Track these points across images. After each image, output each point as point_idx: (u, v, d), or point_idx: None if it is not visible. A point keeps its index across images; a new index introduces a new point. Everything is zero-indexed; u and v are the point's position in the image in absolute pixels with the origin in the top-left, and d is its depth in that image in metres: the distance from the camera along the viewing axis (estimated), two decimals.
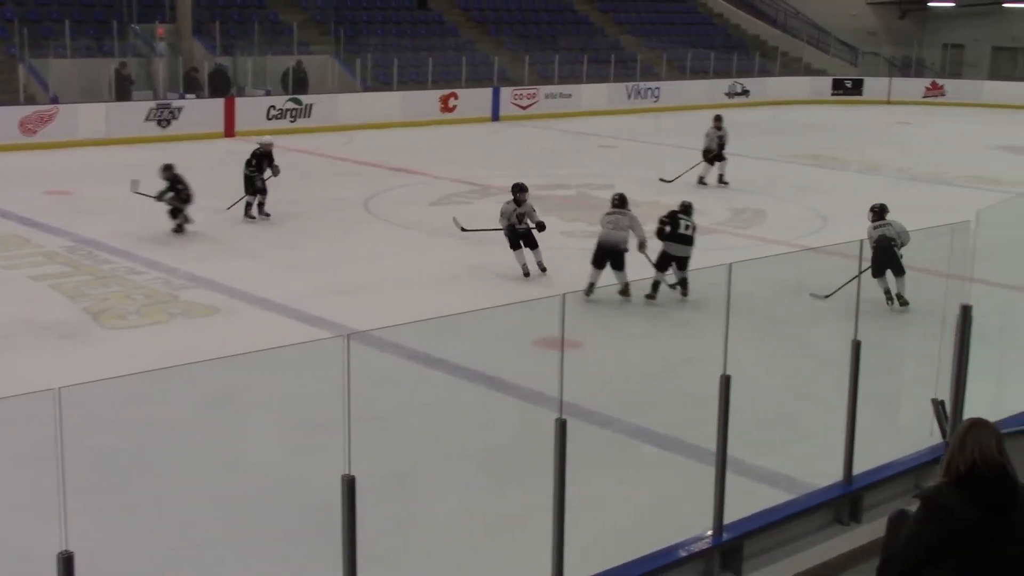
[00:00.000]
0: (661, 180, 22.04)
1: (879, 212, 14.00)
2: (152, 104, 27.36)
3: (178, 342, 11.73)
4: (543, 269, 14.66)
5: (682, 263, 13.84)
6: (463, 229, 14.97)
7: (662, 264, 13.85)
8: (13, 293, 13.46)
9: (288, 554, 7.50)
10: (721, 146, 22.37)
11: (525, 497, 7.78)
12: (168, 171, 16.66)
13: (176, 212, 16.53)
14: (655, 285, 13.71)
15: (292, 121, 29.11)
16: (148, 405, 9.64)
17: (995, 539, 4.38)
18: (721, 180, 22.28)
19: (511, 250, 14.69)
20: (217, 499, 8.18)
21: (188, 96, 28.45)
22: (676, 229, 13.96)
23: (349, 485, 5.28)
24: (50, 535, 5.21)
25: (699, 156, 22.50)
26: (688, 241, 13.91)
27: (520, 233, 14.71)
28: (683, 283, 13.64)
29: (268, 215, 17.93)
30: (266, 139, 18.43)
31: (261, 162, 17.88)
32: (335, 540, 5.21)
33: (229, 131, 27.91)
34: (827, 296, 12.65)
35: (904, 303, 13.24)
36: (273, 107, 29.02)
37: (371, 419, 8.62)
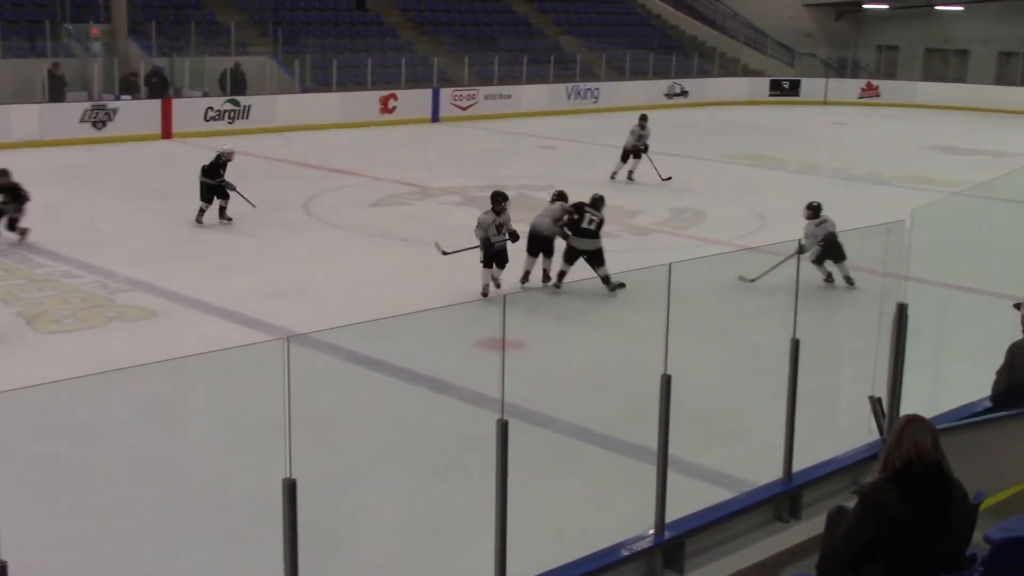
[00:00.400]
0: (665, 179, 22.34)
1: (817, 209, 14.30)
2: (87, 105, 27.00)
3: (115, 346, 11.59)
4: (498, 286, 14.02)
5: (593, 257, 13.93)
6: (444, 253, 14.41)
7: (569, 257, 14.11)
8: None
9: (229, 558, 7.43)
10: (644, 146, 22.86)
11: (467, 498, 7.77)
12: (3, 177, 16.16)
13: (12, 221, 16.03)
14: (560, 275, 14.13)
15: (230, 123, 28.85)
16: (84, 410, 9.51)
17: (931, 533, 4.44)
18: (630, 177, 22.83)
19: (481, 265, 13.95)
20: (155, 505, 8.10)
21: (124, 97, 28.10)
22: (580, 223, 14.08)
23: (290, 488, 5.25)
24: None
25: (647, 156, 22.73)
26: (591, 235, 14.04)
27: (496, 250, 13.96)
28: (605, 280, 13.71)
29: (230, 219, 17.79)
30: (227, 148, 18.15)
31: (224, 170, 17.81)
32: (276, 543, 5.16)
33: (166, 133, 27.62)
34: (753, 280, 12.91)
35: (852, 282, 14.12)
36: (211, 108, 28.75)
37: (312, 422, 8.55)
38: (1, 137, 25.09)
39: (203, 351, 10.67)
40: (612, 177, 22.64)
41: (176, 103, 28.35)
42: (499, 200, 14.30)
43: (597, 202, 14.54)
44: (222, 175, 17.68)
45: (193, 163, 24.06)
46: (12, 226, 15.94)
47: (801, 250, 14.13)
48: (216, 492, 8.29)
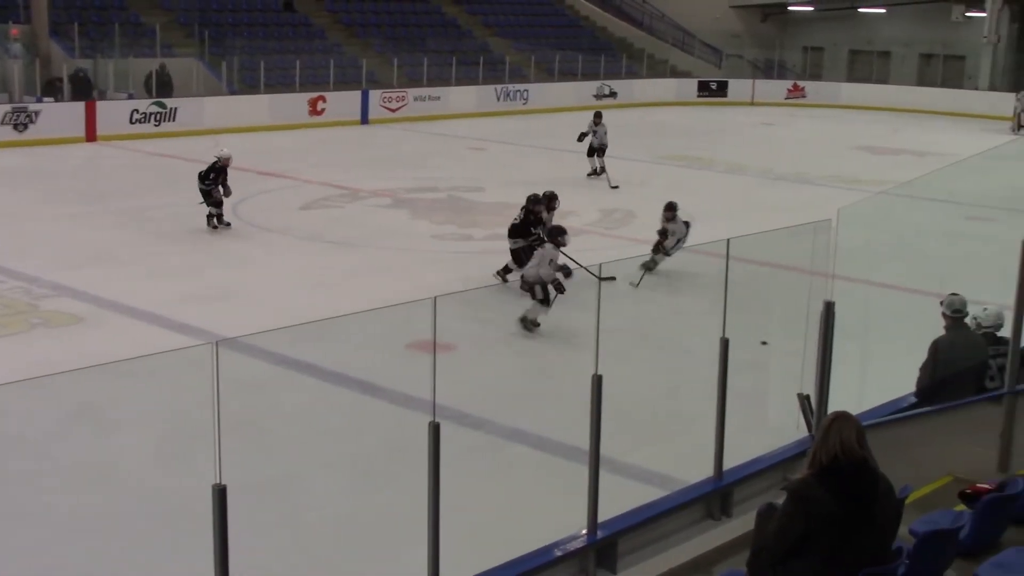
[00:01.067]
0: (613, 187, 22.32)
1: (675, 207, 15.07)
2: (7, 108, 26.52)
3: (40, 353, 11.41)
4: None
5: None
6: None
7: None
8: None
9: (161, 565, 7.36)
10: (601, 143, 23.37)
11: (401, 501, 7.74)
12: None
13: None
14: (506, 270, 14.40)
15: (156, 125, 28.49)
16: (9, 419, 9.36)
17: (858, 528, 4.51)
18: (597, 172, 23.21)
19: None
20: (86, 511, 7.99)
21: (46, 99, 27.65)
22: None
23: (220, 494, 5.20)
24: None
25: (577, 157, 22.91)
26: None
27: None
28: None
29: (229, 224, 17.51)
30: (224, 152, 17.76)
31: (219, 175, 17.41)
32: (208, 549, 5.12)
33: (91, 135, 27.21)
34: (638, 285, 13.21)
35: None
36: (136, 111, 28.37)
37: (243, 426, 8.51)
38: None
39: (131, 356, 10.58)
40: (589, 176, 23.19)
41: (100, 105, 27.94)
42: (550, 200, 15.03)
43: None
44: (213, 179, 17.32)
45: (118, 166, 23.88)
46: None
47: (667, 252, 14.56)
48: (147, 498, 8.20)
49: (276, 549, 7.53)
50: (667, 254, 14.73)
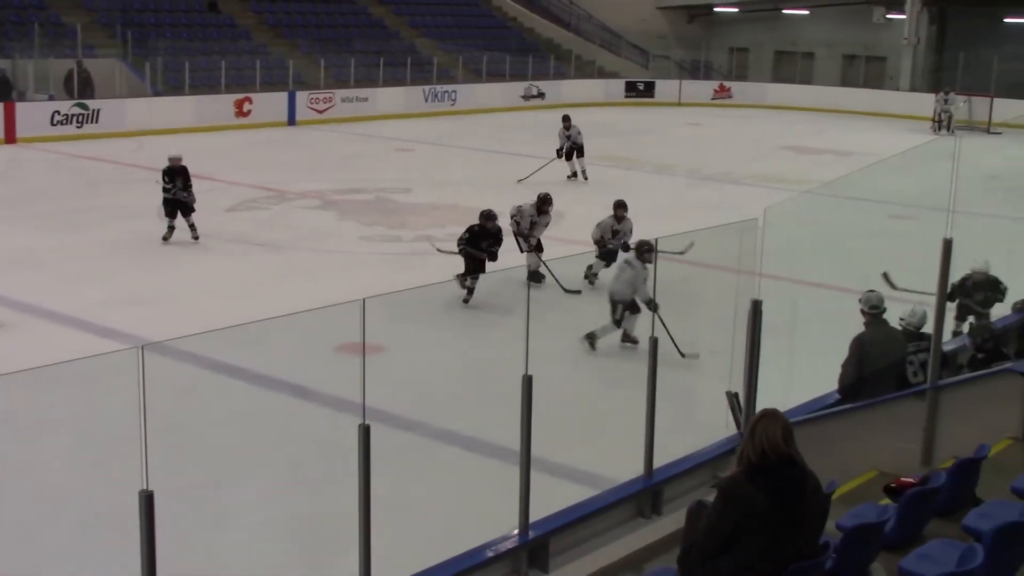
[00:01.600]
0: (518, 181, 22.30)
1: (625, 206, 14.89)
2: None
3: None
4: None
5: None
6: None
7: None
8: None
9: (86, 572, 7.25)
10: (575, 144, 23.68)
11: (333, 504, 7.70)
12: None
13: None
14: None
15: (79, 127, 28.07)
16: None
17: (787, 524, 4.56)
18: (583, 175, 23.62)
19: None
20: (8, 520, 7.84)
21: None
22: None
23: (147, 500, 5.15)
24: None
25: (505, 158, 22.95)
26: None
27: (606, 251, 14.41)
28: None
29: (197, 238, 16.51)
30: (174, 153, 16.95)
31: (175, 179, 16.50)
32: (136, 556, 5.06)
33: (10, 137, 26.73)
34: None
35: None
36: (58, 112, 27.92)
37: (170, 432, 8.39)
38: None
39: (54, 362, 10.41)
40: (570, 177, 23.55)
41: (20, 107, 27.46)
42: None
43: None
44: (174, 185, 16.43)
45: (39, 169, 23.49)
46: None
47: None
48: (72, 506, 8.08)
49: (205, 555, 7.45)
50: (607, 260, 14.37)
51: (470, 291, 13.49)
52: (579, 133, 23.71)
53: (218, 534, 7.85)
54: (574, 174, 23.59)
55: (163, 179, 16.58)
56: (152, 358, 5.17)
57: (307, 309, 11.20)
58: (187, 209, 16.50)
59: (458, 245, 13.90)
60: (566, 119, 23.96)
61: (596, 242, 14.57)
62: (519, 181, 22.13)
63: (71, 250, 16.16)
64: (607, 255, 14.34)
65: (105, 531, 7.55)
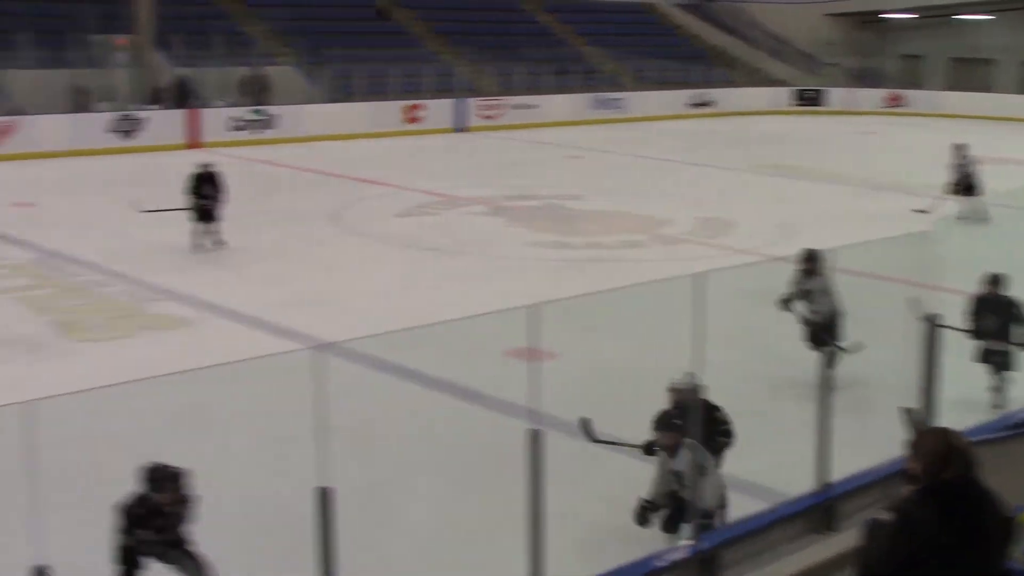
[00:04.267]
0: (918, 211, 17.65)
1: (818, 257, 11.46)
2: (114, 115, 27.17)
3: (146, 355, 11.63)
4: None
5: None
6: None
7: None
8: None
9: (262, 567, 7.45)
10: (969, 177, 19.54)
11: (500, 508, 7.74)
12: None
13: None
14: None
15: (256, 133, 28.99)
16: (114, 419, 9.57)
17: (965, 548, 4.41)
18: (972, 213, 18.76)
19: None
20: None
21: (150, 107, 28.29)
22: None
23: (323, 497, 5.26)
24: (19, 549, 5.16)
25: (665, 164, 22.69)
26: None
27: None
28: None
29: (223, 243, 16.65)
30: (204, 159, 17.29)
31: (202, 186, 16.58)
32: (310, 552, 5.18)
33: (193, 142, 27.76)
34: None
35: None
36: (236, 119, 28.89)
37: (343, 431, 8.58)
38: (29, 147, 25.32)
39: (234, 360, 10.76)
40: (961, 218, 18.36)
41: (202, 113, 28.52)
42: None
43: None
44: (205, 193, 16.49)
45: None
46: None
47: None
48: (249, 501, 8.31)
49: (375, 553, 7.58)
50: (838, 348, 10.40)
51: None
52: (974, 164, 19.61)
53: (387, 533, 7.98)
54: (972, 215, 18.70)
55: (192, 186, 16.45)
56: (328, 359, 5.30)
57: (478, 314, 11.36)
58: (212, 216, 16.46)
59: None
60: (959, 147, 19.92)
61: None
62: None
63: (249, 251, 16.67)
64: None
65: (280, 526, 7.75)
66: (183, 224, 17.11)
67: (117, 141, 26.84)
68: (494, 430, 9.43)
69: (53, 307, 13.30)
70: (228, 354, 11.44)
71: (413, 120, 31.94)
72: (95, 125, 26.82)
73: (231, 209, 18.84)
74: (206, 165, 16.77)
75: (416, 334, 11.25)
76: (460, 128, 32.80)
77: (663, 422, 7.50)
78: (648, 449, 7.76)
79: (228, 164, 25.46)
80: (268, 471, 8.78)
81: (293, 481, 7.47)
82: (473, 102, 33.41)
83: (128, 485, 8.57)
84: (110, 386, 10.21)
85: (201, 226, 16.49)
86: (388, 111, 31.61)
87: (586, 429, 7.70)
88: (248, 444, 9.36)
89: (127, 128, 27.09)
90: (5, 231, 17.43)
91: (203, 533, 7.86)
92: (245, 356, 11.00)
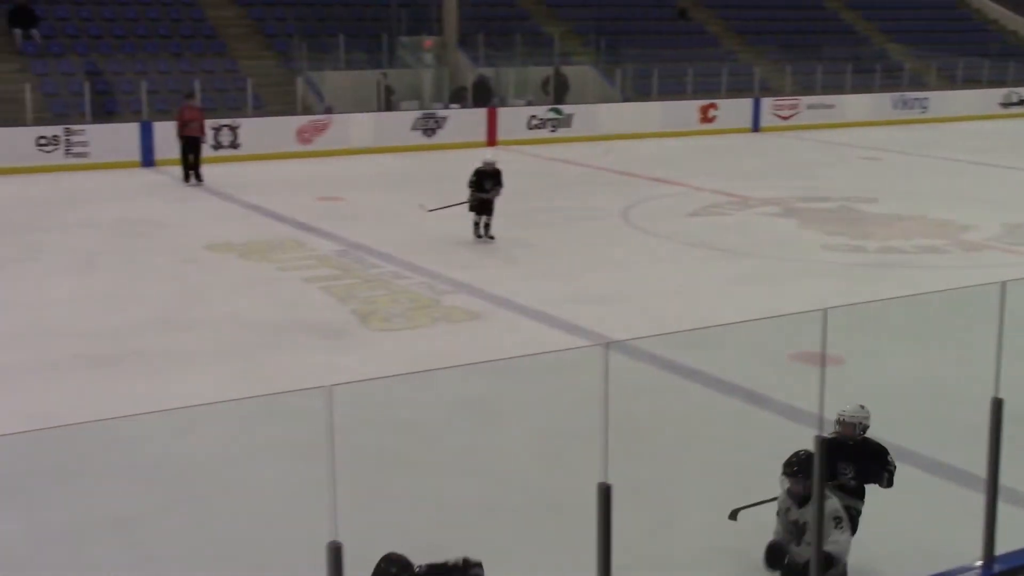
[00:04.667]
0: None
1: None
2: (418, 114, 28.28)
3: (439, 346, 12.05)
4: None
5: None
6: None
7: None
8: (287, 294, 14.14)
9: (540, 557, 7.59)
10: None
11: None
12: None
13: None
14: None
15: (552, 131, 29.53)
16: (409, 406, 9.98)
17: None
18: None
19: None
20: (471, 502, 8.36)
21: (452, 106, 29.28)
22: None
23: (604, 493, 5.31)
24: (318, 525, 5.45)
25: (970, 167, 21.68)
26: None
27: None
28: None
29: (492, 237, 17.20)
30: (489, 157, 17.77)
31: (483, 181, 17.16)
32: (589, 547, 5.24)
33: (491, 140, 28.53)
34: None
35: None
36: (534, 117, 29.51)
37: (627, 428, 8.65)
38: (340, 144, 26.72)
39: (522, 354, 11.03)
40: None
41: (501, 112, 29.27)
42: None
43: None
44: (485, 188, 17.11)
45: (514, 170, 24.81)
46: None
47: None
48: (529, 492, 8.49)
49: (652, 550, 7.60)
50: None
51: None
52: None
53: (665, 532, 7.98)
54: None
55: (474, 180, 17.20)
56: (614, 356, 5.34)
57: (766, 316, 11.21)
58: (489, 210, 17.18)
59: None
60: None
61: None
62: None
63: (540, 247, 16.97)
64: None
65: (558, 519, 7.88)
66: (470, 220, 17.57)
67: (420, 139, 27.90)
68: (777, 434, 9.28)
69: (354, 297, 13.96)
70: (516, 348, 11.74)
71: (708, 120, 31.75)
72: (400, 123, 27.98)
73: (524, 205, 19.29)
74: (488, 162, 17.38)
75: (702, 335, 11.21)
76: (755, 128, 32.38)
77: (798, 466, 6.57)
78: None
79: (524, 162, 26.15)
80: (549, 463, 8.94)
81: (573, 475, 7.60)
82: (769, 101, 32.89)
83: (417, 470, 8.94)
84: (405, 375, 10.67)
85: (477, 218, 17.24)
86: (684, 110, 31.55)
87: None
88: (531, 436, 9.56)
89: (430, 126, 28.13)
90: (313, 223, 18.42)
91: (484, 522, 8.10)
92: (532, 350, 11.26)
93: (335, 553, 4.99)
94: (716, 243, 17.31)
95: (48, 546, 7.83)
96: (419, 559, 6.66)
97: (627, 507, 6.27)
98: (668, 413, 9.96)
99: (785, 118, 32.86)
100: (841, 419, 7.09)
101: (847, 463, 7.13)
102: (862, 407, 7.13)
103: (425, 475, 8.85)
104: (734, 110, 32.16)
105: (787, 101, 33.16)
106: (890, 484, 7.26)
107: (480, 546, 7.70)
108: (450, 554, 6.18)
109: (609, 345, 5.23)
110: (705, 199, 21.07)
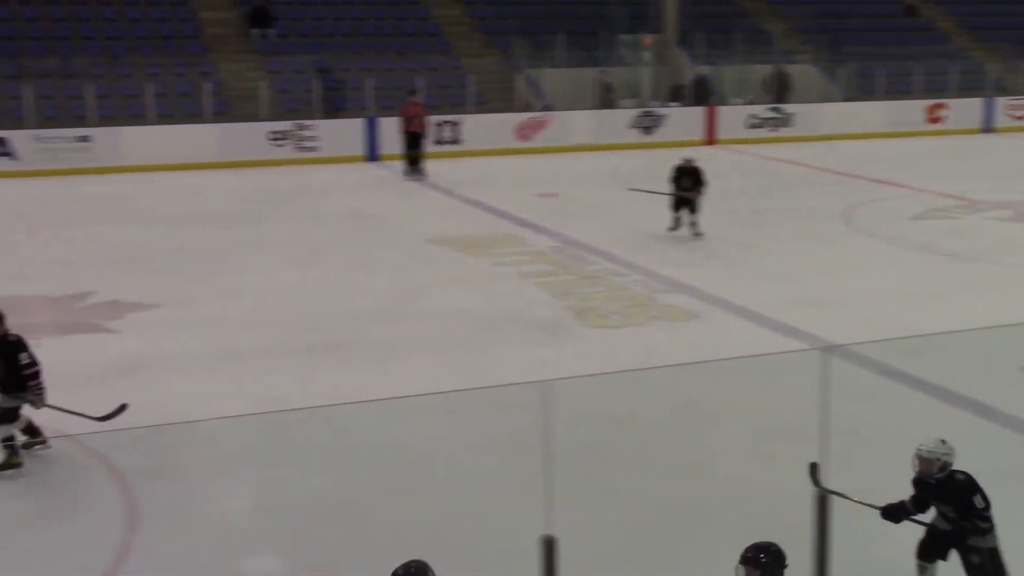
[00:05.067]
0: None
1: None
2: (636, 112, 28.30)
3: (656, 345, 12.06)
4: None
5: None
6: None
7: None
8: (504, 288, 14.39)
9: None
10: None
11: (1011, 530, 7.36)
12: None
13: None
14: None
15: (772, 130, 29.11)
16: (623, 403, 10.05)
17: None
18: None
19: None
20: (683, 502, 8.36)
21: (671, 104, 29.18)
22: None
23: (821, 500, 5.28)
24: (531, 518, 5.56)
25: None
26: None
27: None
28: None
29: (699, 235, 17.18)
30: (688, 155, 17.70)
31: (681, 178, 17.20)
32: (804, 550, 5.21)
33: (710, 139, 28.33)
34: None
35: None
36: (754, 116, 29.15)
37: (844, 434, 8.50)
38: (559, 141, 27.01)
39: (738, 355, 10.95)
40: None
41: (720, 110, 29.02)
42: None
43: None
44: (683, 185, 17.13)
45: (732, 169, 24.61)
46: None
47: None
48: (743, 493, 8.43)
49: (871, 559, 7.44)
50: None
51: None
52: None
53: (881, 541, 7.80)
54: None
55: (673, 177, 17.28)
56: (833, 360, 5.29)
57: (994, 325, 10.81)
58: (690, 207, 17.13)
59: None
60: None
61: None
62: None
63: (758, 248, 16.77)
64: None
65: (771, 523, 7.80)
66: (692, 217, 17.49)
67: (638, 136, 27.92)
68: (1006, 449, 8.97)
69: (571, 293, 14.10)
70: (733, 349, 11.66)
71: (935, 120, 30.71)
72: (618, 121, 28.06)
73: (742, 205, 19.09)
74: (688, 160, 17.35)
75: (924, 342, 10.89)
76: (987, 129, 31.13)
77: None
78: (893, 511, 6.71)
79: (743, 161, 25.89)
80: (763, 466, 8.85)
81: (784, 477, 7.51)
82: (1002, 101, 31.57)
83: (629, 467, 9.00)
84: (620, 372, 10.74)
85: (676, 214, 17.25)
86: (909, 110, 30.61)
87: (814, 475, 6.69)
88: (745, 438, 9.48)
89: (648, 124, 28.12)
90: (530, 219, 18.66)
91: (695, 521, 8.09)
92: (749, 352, 11.14)
93: (548, 547, 5.09)
94: (941, 247, 16.76)
95: (274, 523, 8.20)
96: (635, 559, 6.73)
97: (841, 513, 6.20)
98: (889, 421, 9.72)
99: (1021, 118, 31.50)
100: (919, 454, 6.45)
101: (940, 503, 6.54)
102: (943, 441, 6.46)
103: (639, 473, 8.89)
104: (964, 110, 31.02)
105: (1022, 101, 31.78)
106: (983, 534, 6.43)
107: (692, 547, 7.72)
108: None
109: (830, 349, 5.18)
110: (931, 202, 20.41)
